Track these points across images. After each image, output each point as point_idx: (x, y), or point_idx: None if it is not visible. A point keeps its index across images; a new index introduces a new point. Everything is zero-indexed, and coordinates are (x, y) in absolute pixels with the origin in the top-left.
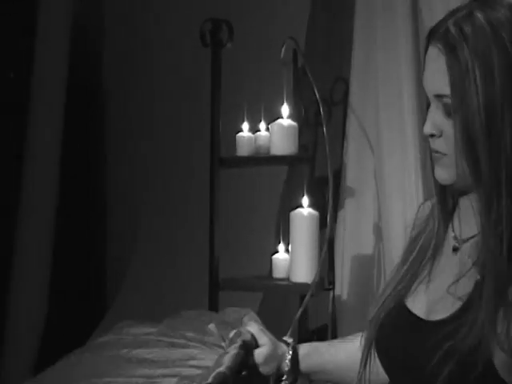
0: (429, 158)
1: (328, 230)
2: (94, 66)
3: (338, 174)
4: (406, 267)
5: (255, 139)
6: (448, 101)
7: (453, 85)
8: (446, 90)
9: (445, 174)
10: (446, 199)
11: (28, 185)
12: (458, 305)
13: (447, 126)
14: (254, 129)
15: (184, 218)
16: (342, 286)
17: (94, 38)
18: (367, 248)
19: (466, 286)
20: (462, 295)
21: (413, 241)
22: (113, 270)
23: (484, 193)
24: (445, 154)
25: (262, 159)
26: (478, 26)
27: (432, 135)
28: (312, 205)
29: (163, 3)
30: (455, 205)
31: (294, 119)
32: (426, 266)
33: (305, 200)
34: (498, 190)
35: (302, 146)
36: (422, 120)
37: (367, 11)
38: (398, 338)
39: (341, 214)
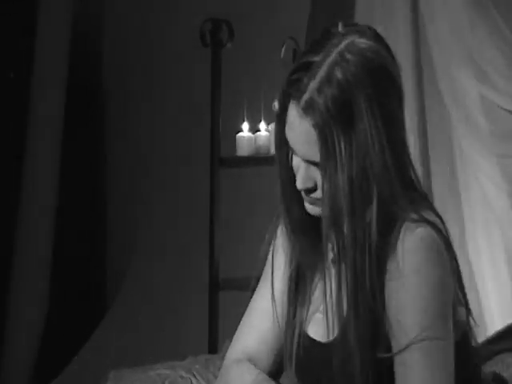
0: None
1: None
2: (94, 66)
3: None
4: (292, 295)
5: (255, 139)
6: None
7: (322, 159)
8: (317, 158)
9: (317, 211)
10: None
11: (28, 185)
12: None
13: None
14: (254, 129)
15: (184, 217)
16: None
17: (94, 38)
18: None
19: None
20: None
21: (288, 265)
22: (113, 270)
23: (348, 261)
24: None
25: (261, 159)
26: (339, 93)
27: (308, 190)
28: None
29: (163, 3)
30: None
31: None
32: (314, 285)
33: None
34: (361, 261)
35: None
36: (422, 120)
37: (367, 11)
38: (310, 368)
39: None
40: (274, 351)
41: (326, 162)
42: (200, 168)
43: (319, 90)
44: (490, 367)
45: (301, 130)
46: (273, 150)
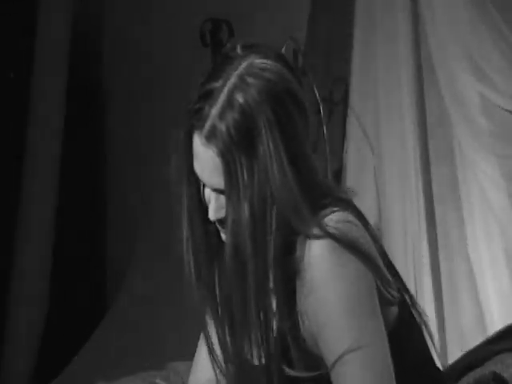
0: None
1: None
2: (94, 66)
3: (338, 174)
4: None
5: None
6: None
7: (226, 187)
8: (221, 186)
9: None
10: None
11: (28, 185)
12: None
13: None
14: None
15: None
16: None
17: (93, 37)
18: None
19: None
20: None
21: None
22: (113, 270)
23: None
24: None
25: None
26: (241, 118)
27: (220, 220)
28: None
29: (163, 3)
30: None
31: None
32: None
33: None
34: (263, 288)
35: None
36: (422, 120)
37: (367, 11)
38: None
39: None
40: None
41: (230, 189)
42: None
43: (221, 116)
44: (489, 367)
45: (206, 159)
46: None
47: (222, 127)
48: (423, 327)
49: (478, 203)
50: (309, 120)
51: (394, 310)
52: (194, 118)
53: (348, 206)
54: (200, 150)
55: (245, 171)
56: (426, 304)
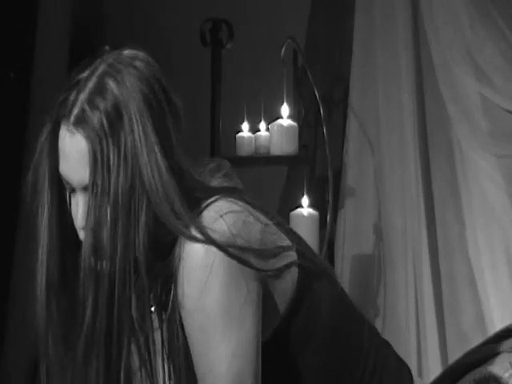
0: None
1: (328, 230)
2: None
3: (338, 174)
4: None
5: (255, 139)
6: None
7: (91, 175)
8: (94, 179)
9: None
10: None
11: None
12: None
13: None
14: (254, 129)
15: None
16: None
17: (93, 37)
18: (367, 248)
19: None
20: None
21: None
22: None
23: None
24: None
25: (261, 159)
26: (110, 103)
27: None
28: (312, 205)
29: (163, 3)
30: None
31: (293, 119)
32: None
33: (305, 200)
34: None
35: (301, 146)
36: (422, 120)
37: (367, 11)
38: None
39: (341, 213)
40: None
41: (94, 178)
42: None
43: (89, 100)
44: (489, 368)
45: (73, 150)
46: (273, 151)
47: (91, 112)
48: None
49: (478, 203)
50: (181, 119)
51: (294, 276)
52: (61, 108)
53: (233, 191)
54: (66, 141)
55: (112, 159)
56: (426, 304)
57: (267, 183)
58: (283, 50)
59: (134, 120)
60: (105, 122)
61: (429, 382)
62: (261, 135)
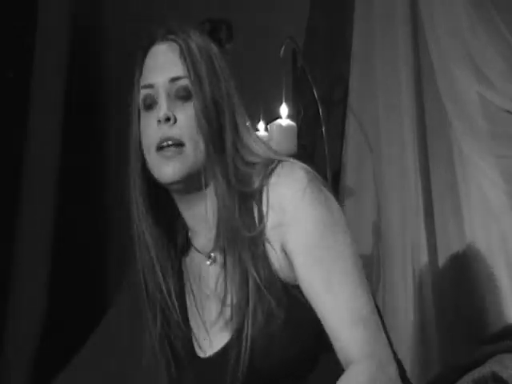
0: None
1: None
2: (94, 66)
3: (337, 174)
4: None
5: None
6: (185, 82)
7: (191, 70)
8: (182, 73)
9: (177, 166)
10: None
11: (27, 185)
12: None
13: (182, 112)
14: (253, 129)
15: None
16: None
17: (93, 37)
18: (366, 247)
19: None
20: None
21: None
22: (113, 269)
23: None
24: (181, 144)
25: None
26: (201, 41)
27: (168, 119)
28: None
29: (162, 3)
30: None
31: (293, 119)
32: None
33: None
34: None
35: (301, 146)
36: (421, 121)
37: (366, 12)
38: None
39: None
40: None
41: (195, 70)
42: None
43: (185, 30)
44: (488, 368)
45: (167, 53)
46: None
47: (188, 34)
48: None
49: (477, 203)
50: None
51: None
52: (158, 32)
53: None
54: (160, 49)
55: (206, 67)
56: (425, 303)
57: None
58: (282, 50)
59: (216, 57)
60: (199, 42)
61: (427, 382)
62: (260, 135)
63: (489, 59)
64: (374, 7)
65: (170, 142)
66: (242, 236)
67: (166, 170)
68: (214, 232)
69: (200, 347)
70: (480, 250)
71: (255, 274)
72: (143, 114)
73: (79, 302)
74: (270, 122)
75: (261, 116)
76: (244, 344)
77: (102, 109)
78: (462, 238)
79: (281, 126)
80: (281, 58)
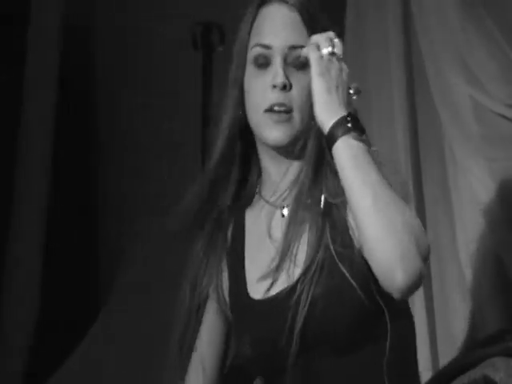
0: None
1: None
2: (86, 68)
3: None
4: (224, 261)
5: None
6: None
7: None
8: (302, 42)
9: (286, 132)
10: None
11: (20, 185)
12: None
13: (296, 80)
14: None
15: None
16: None
17: (84, 39)
18: None
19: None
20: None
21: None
22: (106, 270)
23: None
24: (290, 111)
25: None
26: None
27: (285, 86)
28: None
29: (154, 6)
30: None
31: None
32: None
33: None
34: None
35: None
36: (413, 123)
37: (358, 14)
38: (262, 327)
39: None
40: (220, 355)
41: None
42: (192, 171)
43: None
44: (481, 371)
45: (286, 19)
46: None
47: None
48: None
49: (468, 206)
50: None
51: None
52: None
53: None
54: (279, 11)
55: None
56: (417, 306)
57: None
58: None
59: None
60: (316, 9)
61: None
62: None
63: (481, 62)
64: (365, 11)
65: (281, 108)
66: (327, 201)
67: (275, 133)
68: (295, 190)
69: (255, 291)
70: (472, 253)
71: (328, 235)
72: (253, 70)
73: (72, 301)
74: None
75: None
76: (306, 292)
77: (95, 108)
78: (453, 239)
79: None
80: None
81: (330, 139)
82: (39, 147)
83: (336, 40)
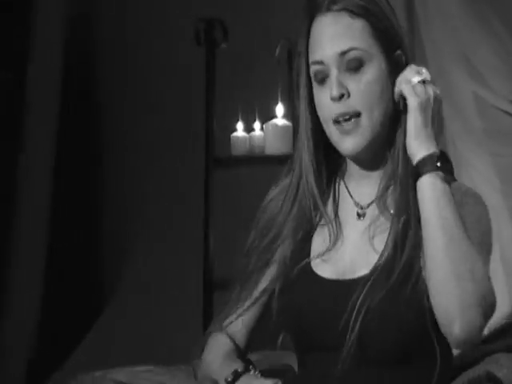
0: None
1: None
2: (90, 67)
3: None
4: (290, 246)
5: (250, 139)
6: (355, 54)
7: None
8: (353, 44)
9: (355, 142)
10: (321, 176)
11: (23, 184)
12: (374, 258)
13: (354, 82)
14: (249, 129)
15: (179, 217)
16: None
17: (87, 37)
18: None
19: (379, 243)
20: (379, 250)
21: (271, 221)
22: (108, 271)
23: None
24: (358, 115)
25: (256, 159)
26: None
27: (342, 96)
28: None
29: (157, 3)
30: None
31: (288, 119)
32: (313, 237)
33: None
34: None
35: (296, 146)
36: None
37: None
38: (315, 302)
39: None
40: (249, 332)
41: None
42: (195, 167)
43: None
44: (484, 367)
45: (336, 25)
46: (267, 150)
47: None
48: None
49: None
50: None
51: None
52: (322, 3)
53: None
54: (325, 22)
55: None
56: None
57: (262, 182)
58: (278, 50)
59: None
60: (369, 11)
61: None
62: (255, 135)
63: (484, 58)
64: None
65: (346, 117)
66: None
67: (346, 145)
68: (376, 190)
69: (317, 265)
70: None
71: (407, 249)
72: (316, 86)
73: (74, 301)
74: (266, 122)
75: (256, 115)
76: (371, 287)
77: (97, 109)
78: None
79: (276, 125)
80: (276, 58)
81: (416, 171)
82: (42, 147)
83: (421, 68)
